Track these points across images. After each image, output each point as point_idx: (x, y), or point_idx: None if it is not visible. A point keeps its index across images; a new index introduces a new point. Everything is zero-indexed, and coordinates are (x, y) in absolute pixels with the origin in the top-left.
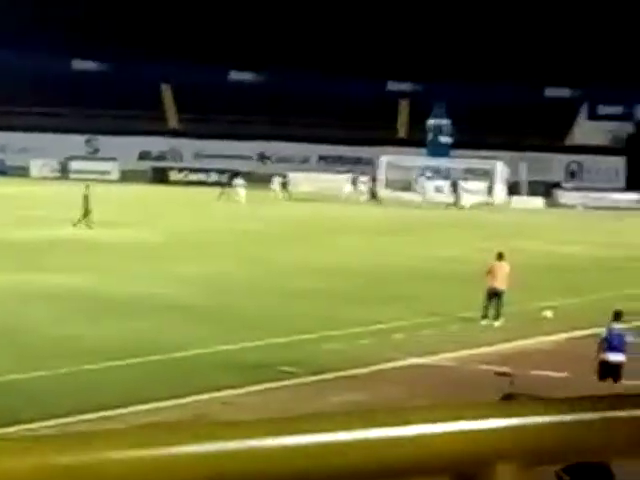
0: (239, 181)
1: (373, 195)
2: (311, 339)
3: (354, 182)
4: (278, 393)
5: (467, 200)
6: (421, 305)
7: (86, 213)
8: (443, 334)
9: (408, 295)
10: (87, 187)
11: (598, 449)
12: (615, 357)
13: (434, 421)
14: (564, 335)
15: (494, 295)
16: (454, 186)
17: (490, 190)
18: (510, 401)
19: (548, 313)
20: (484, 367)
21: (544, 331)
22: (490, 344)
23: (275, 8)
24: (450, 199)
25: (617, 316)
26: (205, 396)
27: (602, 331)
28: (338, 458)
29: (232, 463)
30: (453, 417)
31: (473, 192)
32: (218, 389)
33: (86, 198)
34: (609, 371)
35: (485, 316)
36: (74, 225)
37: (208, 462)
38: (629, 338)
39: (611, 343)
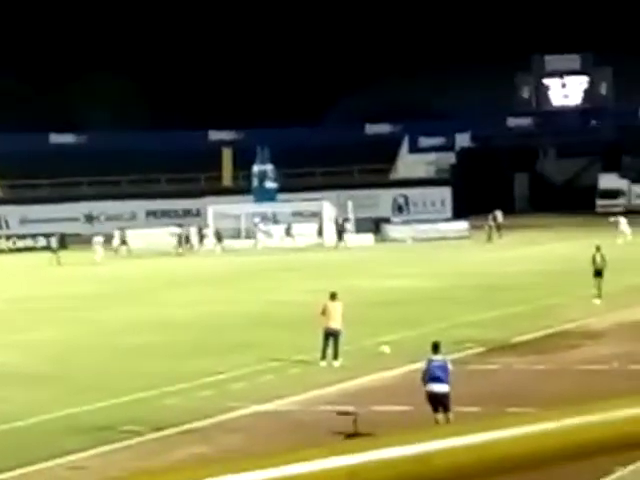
0: (98, 239)
1: (204, 246)
2: (152, 396)
3: (180, 235)
4: (123, 453)
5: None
6: (259, 352)
7: None
8: (283, 379)
9: (245, 343)
10: None
11: None
12: (439, 388)
13: None
14: (403, 369)
15: (331, 335)
16: (288, 230)
17: (319, 231)
18: None
19: (385, 348)
20: (326, 408)
21: (383, 366)
22: (331, 384)
23: (87, 67)
24: (283, 243)
25: (435, 348)
26: (52, 462)
27: (422, 364)
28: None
29: None
30: None
31: (303, 235)
32: (64, 454)
33: None
34: (437, 402)
35: (324, 357)
36: None
37: None
38: (450, 367)
39: (433, 375)
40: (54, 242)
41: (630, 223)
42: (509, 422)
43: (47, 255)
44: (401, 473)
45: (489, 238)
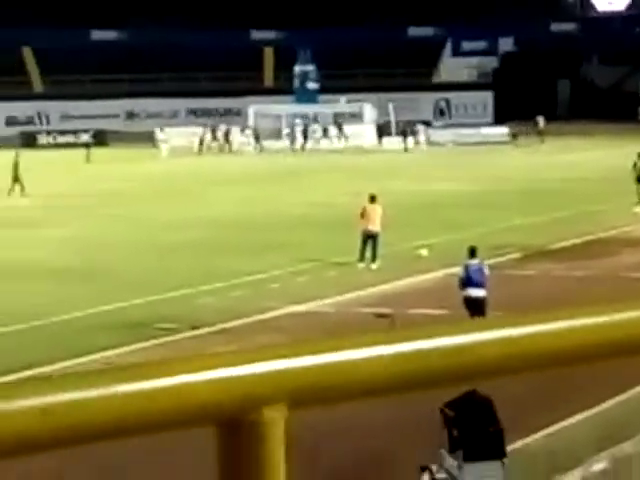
0: (161, 136)
1: (229, 144)
2: (188, 294)
3: (212, 133)
4: (158, 350)
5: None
6: (297, 252)
7: (15, 181)
8: (321, 280)
9: (284, 243)
10: (17, 155)
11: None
12: (476, 292)
13: (193, 371)
14: (440, 272)
15: (369, 237)
16: (325, 131)
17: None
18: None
19: (423, 251)
20: (364, 310)
21: (421, 270)
22: (369, 287)
23: None
24: (324, 145)
25: (472, 252)
26: (86, 358)
27: (459, 269)
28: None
29: None
30: (212, 365)
31: (344, 136)
32: (99, 350)
33: (16, 166)
34: (474, 306)
35: (362, 259)
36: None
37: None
38: (487, 271)
39: (470, 279)
40: (88, 138)
41: None
42: (524, 321)
43: (83, 152)
44: (438, 364)
45: (529, 144)
